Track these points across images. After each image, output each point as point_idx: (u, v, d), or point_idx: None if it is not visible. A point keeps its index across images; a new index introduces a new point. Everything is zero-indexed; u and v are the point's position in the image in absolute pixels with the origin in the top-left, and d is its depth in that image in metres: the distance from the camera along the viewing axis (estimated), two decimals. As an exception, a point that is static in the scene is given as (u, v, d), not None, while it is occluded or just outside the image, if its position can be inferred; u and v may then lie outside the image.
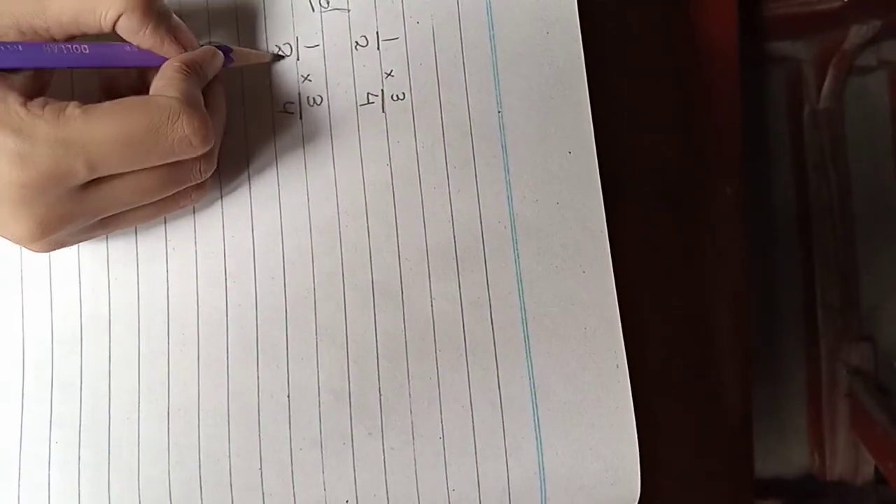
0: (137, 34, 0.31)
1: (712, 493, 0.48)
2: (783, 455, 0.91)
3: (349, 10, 0.37)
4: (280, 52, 0.37)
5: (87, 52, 0.31)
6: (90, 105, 0.29)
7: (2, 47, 0.29)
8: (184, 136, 0.30)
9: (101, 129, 0.28)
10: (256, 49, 0.37)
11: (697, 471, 0.47)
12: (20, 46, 0.30)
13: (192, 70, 0.32)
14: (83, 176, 0.29)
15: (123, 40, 0.32)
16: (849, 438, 0.87)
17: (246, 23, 0.37)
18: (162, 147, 0.29)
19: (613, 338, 0.36)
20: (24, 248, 0.35)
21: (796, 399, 0.91)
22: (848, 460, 0.87)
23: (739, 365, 0.48)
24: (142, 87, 0.33)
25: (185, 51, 0.32)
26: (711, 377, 0.48)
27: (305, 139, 0.36)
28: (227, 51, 0.35)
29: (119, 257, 0.36)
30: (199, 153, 0.31)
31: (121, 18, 0.30)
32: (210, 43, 0.35)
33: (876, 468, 0.86)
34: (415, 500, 0.35)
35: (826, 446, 0.88)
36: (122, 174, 0.30)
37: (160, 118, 0.29)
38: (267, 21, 0.37)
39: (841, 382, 0.88)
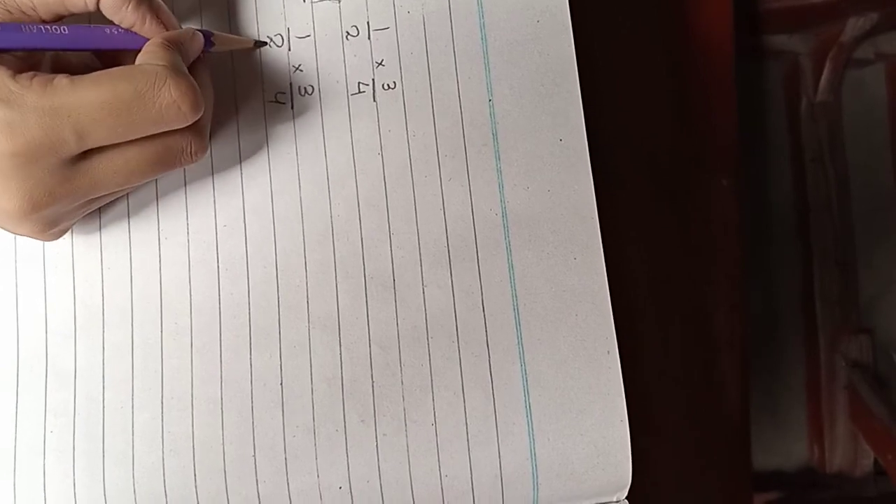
0: (120, 10, 0.31)
1: (710, 487, 0.48)
2: (782, 448, 0.91)
3: (340, 1, 0.37)
4: (264, 40, 0.37)
5: (66, 33, 0.31)
6: (78, 76, 0.29)
7: None
8: (171, 101, 0.30)
9: (88, 97, 0.28)
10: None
11: (695, 464, 0.47)
12: None
13: (175, 45, 0.32)
14: (72, 145, 0.29)
15: (107, 22, 0.32)
16: (848, 431, 0.87)
17: (237, 14, 0.37)
18: (150, 112, 0.29)
19: (605, 324, 0.36)
20: (18, 239, 0.36)
21: (795, 392, 0.91)
22: (847, 453, 0.88)
23: (737, 357, 0.48)
24: None
25: (167, 30, 0.32)
26: (709, 369, 0.48)
27: (297, 129, 0.36)
28: (208, 35, 0.35)
29: (112, 247, 0.36)
30: (190, 121, 0.30)
31: None
32: (189, 27, 0.35)
33: (875, 460, 0.86)
34: (407, 487, 0.35)
35: (825, 439, 0.88)
36: (111, 151, 0.30)
37: (147, 83, 0.29)
38: (258, 12, 0.37)
39: (840, 375, 0.88)
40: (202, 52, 0.34)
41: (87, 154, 0.30)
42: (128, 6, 0.31)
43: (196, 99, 0.30)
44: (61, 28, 0.31)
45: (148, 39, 0.32)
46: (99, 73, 0.29)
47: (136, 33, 0.32)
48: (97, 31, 0.32)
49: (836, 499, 0.88)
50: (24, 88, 0.28)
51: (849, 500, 0.87)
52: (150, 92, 0.29)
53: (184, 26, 0.34)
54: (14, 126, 0.28)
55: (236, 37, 0.36)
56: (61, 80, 0.29)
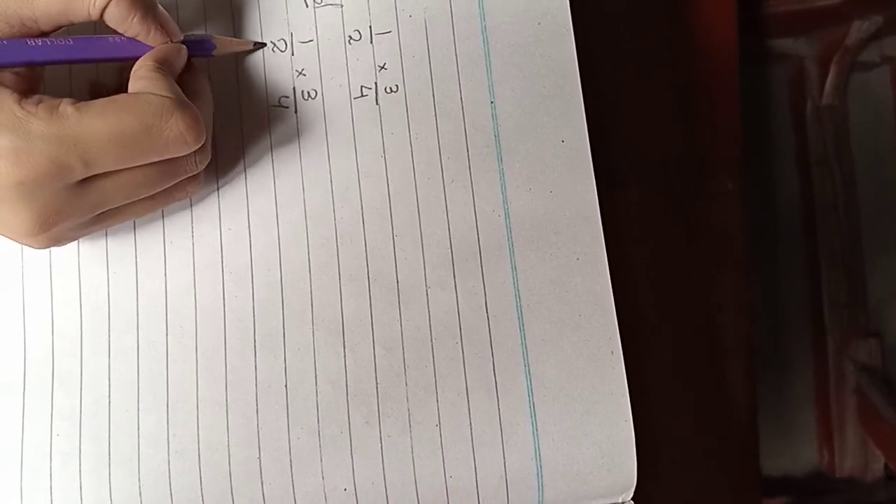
0: (125, 21, 0.31)
1: (718, 492, 0.48)
2: (791, 452, 0.90)
3: (342, 5, 0.37)
4: (261, 41, 0.37)
5: (72, 44, 0.31)
6: (83, 102, 0.29)
7: None
8: (178, 134, 0.30)
9: (94, 127, 0.29)
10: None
11: (703, 469, 0.47)
12: (4, 42, 0.30)
13: (165, 68, 0.32)
14: (79, 173, 0.29)
15: (113, 33, 0.32)
16: (857, 435, 0.87)
17: (241, 20, 0.37)
18: (156, 145, 0.30)
19: (608, 325, 0.36)
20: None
21: (804, 396, 0.91)
22: (857, 457, 0.87)
23: (744, 361, 0.48)
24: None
25: (172, 40, 0.33)
26: (716, 373, 0.47)
27: (300, 133, 0.37)
28: (210, 40, 0.35)
29: (117, 251, 0.36)
30: (193, 149, 0.31)
31: (109, 6, 0.31)
32: (191, 33, 0.35)
33: (886, 465, 0.85)
34: (412, 488, 0.35)
35: (835, 443, 0.88)
36: (117, 172, 0.30)
37: (154, 116, 0.30)
38: (262, 17, 0.37)
39: (849, 379, 0.88)
40: (209, 56, 0.35)
41: (93, 175, 0.30)
42: (133, 17, 0.31)
43: (200, 130, 0.31)
44: (66, 39, 0.31)
45: (151, 48, 0.32)
46: (104, 101, 0.29)
47: (140, 42, 0.33)
48: (102, 40, 0.32)
49: (846, 504, 0.88)
50: (30, 115, 0.28)
51: (859, 506, 0.87)
52: (157, 125, 0.30)
53: (188, 33, 0.35)
54: (20, 154, 0.28)
55: (236, 39, 0.37)
56: (66, 107, 0.29)
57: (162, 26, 0.32)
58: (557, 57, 0.37)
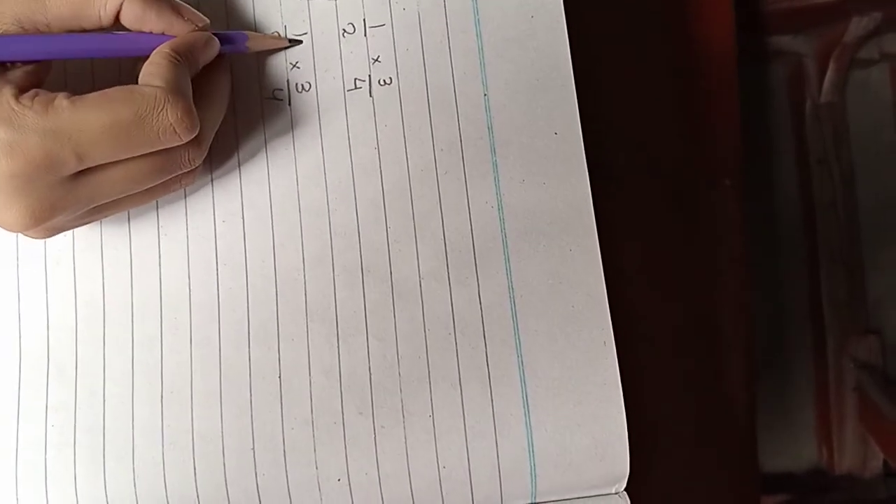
0: (143, 21, 0.32)
1: (718, 489, 0.48)
2: (791, 450, 0.91)
3: (336, -2, 0.37)
4: (295, 38, 0.37)
5: (105, 37, 0.32)
6: (78, 96, 0.30)
7: (12, 39, 0.30)
8: (168, 125, 0.30)
9: (87, 119, 0.29)
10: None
11: (702, 466, 0.47)
12: (46, 36, 0.31)
13: (181, 57, 0.32)
14: (72, 165, 0.29)
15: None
16: (857, 432, 0.87)
17: (234, 12, 0.37)
18: (148, 136, 0.30)
19: (600, 315, 0.36)
20: (20, 237, 0.36)
21: (804, 394, 0.91)
22: (856, 454, 0.87)
23: (743, 359, 0.48)
24: None
25: (197, 28, 0.33)
26: (715, 370, 0.47)
27: (294, 125, 0.37)
28: (241, 37, 0.35)
29: (112, 244, 0.36)
30: (185, 141, 0.31)
31: (123, 8, 0.31)
32: (228, 29, 0.36)
33: (885, 461, 0.86)
34: (406, 479, 0.35)
35: (834, 440, 0.88)
36: (111, 163, 0.31)
37: (145, 108, 0.30)
38: (255, 10, 0.37)
39: (848, 376, 0.88)
40: (241, 54, 0.35)
41: (87, 168, 0.30)
42: (151, 15, 0.32)
43: (192, 122, 0.31)
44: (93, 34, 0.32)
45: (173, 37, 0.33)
46: (99, 94, 0.30)
47: (165, 35, 0.33)
48: (125, 35, 0.33)
49: (845, 501, 0.87)
50: (26, 108, 0.29)
51: (858, 503, 0.87)
52: (149, 116, 0.30)
53: (219, 31, 0.35)
54: (14, 147, 0.28)
55: (270, 36, 0.37)
56: (62, 101, 0.29)
57: (183, 16, 0.33)
58: (551, 50, 0.37)
